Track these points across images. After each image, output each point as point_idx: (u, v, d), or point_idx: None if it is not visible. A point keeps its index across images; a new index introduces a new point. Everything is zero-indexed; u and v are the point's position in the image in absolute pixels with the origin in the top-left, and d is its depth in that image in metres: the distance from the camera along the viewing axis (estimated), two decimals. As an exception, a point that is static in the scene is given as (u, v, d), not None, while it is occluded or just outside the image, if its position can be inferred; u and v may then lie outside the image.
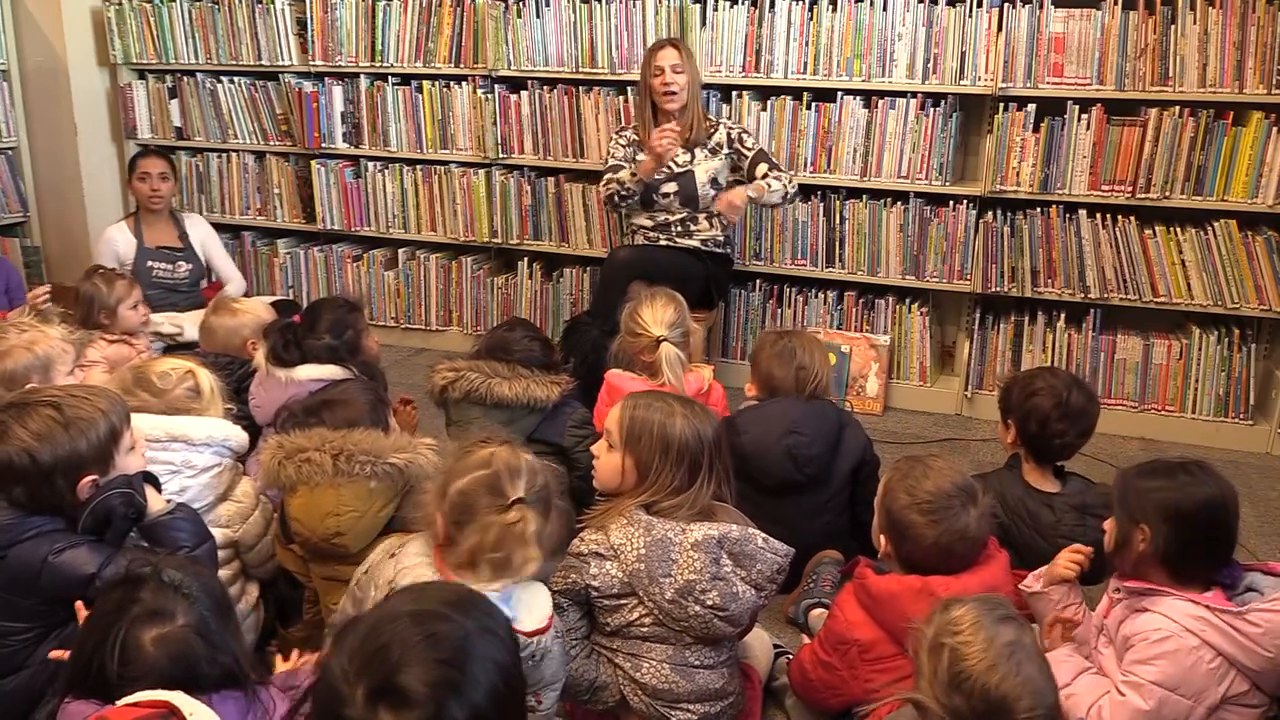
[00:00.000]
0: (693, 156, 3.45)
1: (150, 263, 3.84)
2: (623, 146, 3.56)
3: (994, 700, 1.32)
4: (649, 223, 3.54)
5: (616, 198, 3.48)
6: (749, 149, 3.48)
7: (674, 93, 3.40)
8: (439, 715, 1.07)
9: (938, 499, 1.82)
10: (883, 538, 1.90)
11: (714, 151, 3.46)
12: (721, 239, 3.58)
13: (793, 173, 3.62)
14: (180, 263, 3.89)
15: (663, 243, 3.53)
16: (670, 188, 3.46)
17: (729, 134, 3.49)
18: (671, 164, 3.45)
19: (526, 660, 1.59)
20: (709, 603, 1.78)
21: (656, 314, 2.66)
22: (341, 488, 1.96)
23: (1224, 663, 1.67)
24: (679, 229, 3.52)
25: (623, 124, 3.74)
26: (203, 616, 1.40)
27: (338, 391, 2.27)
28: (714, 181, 3.49)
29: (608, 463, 1.92)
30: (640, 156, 3.50)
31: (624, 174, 3.45)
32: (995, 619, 1.37)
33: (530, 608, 1.63)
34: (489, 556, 1.62)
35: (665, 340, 2.62)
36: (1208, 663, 1.67)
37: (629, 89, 3.86)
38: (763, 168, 3.45)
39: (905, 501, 1.84)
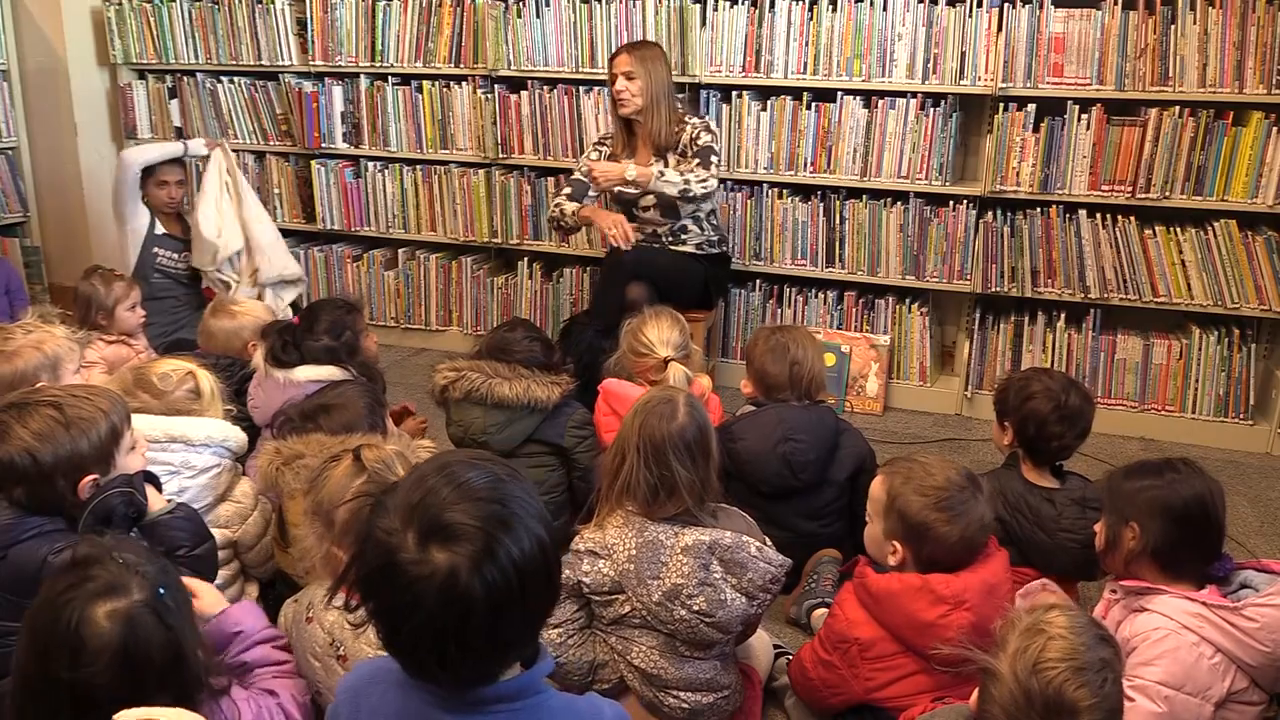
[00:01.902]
0: (665, 162, 3.40)
1: (156, 249, 3.84)
2: (591, 160, 3.55)
3: (1065, 701, 1.30)
4: (638, 235, 3.53)
5: (556, 224, 3.54)
6: (700, 144, 3.38)
7: (624, 101, 3.38)
8: (490, 548, 1.09)
9: (951, 492, 1.80)
10: (895, 543, 1.86)
11: (684, 154, 3.41)
12: (715, 239, 3.56)
13: (700, 177, 3.29)
14: (186, 253, 3.89)
15: (656, 248, 3.52)
16: (649, 200, 3.44)
17: (691, 133, 3.40)
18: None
19: None
20: (695, 607, 1.78)
21: (661, 334, 2.65)
22: None
23: (1224, 659, 1.68)
24: (670, 238, 3.51)
25: (605, 132, 3.72)
26: (159, 596, 1.34)
27: (334, 395, 2.27)
28: None
29: None
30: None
31: (570, 206, 3.48)
32: (1096, 636, 1.36)
33: None
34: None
35: (673, 360, 2.62)
36: (1209, 659, 1.67)
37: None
38: (694, 161, 3.34)
39: (920, 503, 1.81)
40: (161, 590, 1.35)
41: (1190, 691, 1.65)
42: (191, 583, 1.70)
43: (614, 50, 3.50)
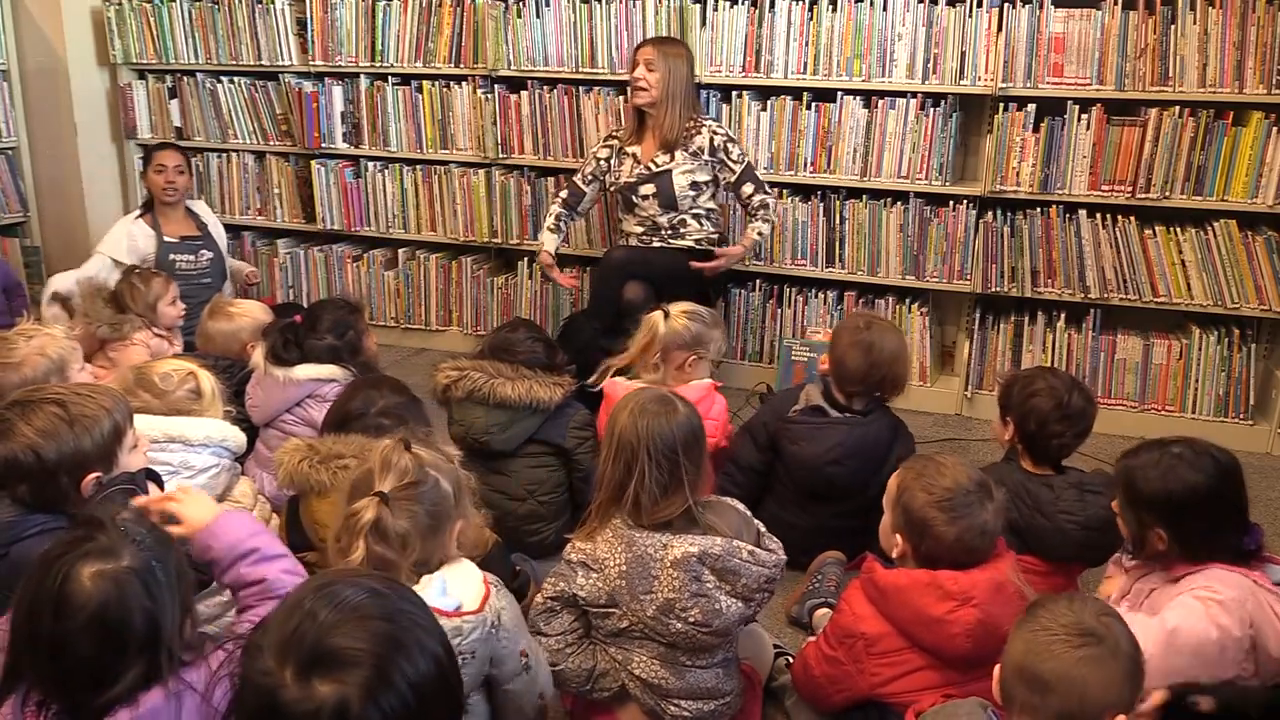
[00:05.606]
0: (671, 157, 3.42)
1: (173, 256, 3.80)
2: (598, 158, 3.58)
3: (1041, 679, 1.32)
4: (639, 228, 3.54)
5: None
6: (735, 162, 3.44)
7: (642, 89, 3.41)
8: (384, 673, 0.98)
9: (956, 494, 1.81)
10: (898, 536, 1.87)
11: (695, 155, 3.43)
12: (715, 236, 3.57)
13: (773, 198, 3.51)
14: (202, 251, 3.87)
15: (655, 245, 3.53)
16: (648, 189, 3.45)
17: (712, 140, 3.43)
18: (651, 164, 3.45)
19: (486, 632, 1.57)
20: (691, 619, 1.77)
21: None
22: None
23: (1250, 638, 1.68)
24: (669, 232, 3.51)
25: (613, 129, 3.74)
26: (150, 566, 1.35)
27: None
28: (693, 185, 3.45)
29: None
30: (612, 161, 3.56)
31: (549, 242, 3.62)
32: (1098, 610, 1.37)
33: (466, 586, 1.59)
34: (335, 547, 1.55)
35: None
36: (1251, 609, 1.68)
37: (629, 89, 3.86)
38: (748, 189, 3.44)
39: (924, 500, 1.82)
40: (155, 563, 1.36)
41: (1239, 618, 1.66)
42: (173, 498, 1.64)
43: (639, 43, 3.53)
